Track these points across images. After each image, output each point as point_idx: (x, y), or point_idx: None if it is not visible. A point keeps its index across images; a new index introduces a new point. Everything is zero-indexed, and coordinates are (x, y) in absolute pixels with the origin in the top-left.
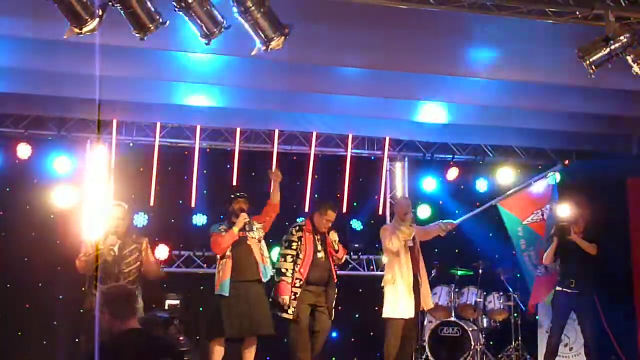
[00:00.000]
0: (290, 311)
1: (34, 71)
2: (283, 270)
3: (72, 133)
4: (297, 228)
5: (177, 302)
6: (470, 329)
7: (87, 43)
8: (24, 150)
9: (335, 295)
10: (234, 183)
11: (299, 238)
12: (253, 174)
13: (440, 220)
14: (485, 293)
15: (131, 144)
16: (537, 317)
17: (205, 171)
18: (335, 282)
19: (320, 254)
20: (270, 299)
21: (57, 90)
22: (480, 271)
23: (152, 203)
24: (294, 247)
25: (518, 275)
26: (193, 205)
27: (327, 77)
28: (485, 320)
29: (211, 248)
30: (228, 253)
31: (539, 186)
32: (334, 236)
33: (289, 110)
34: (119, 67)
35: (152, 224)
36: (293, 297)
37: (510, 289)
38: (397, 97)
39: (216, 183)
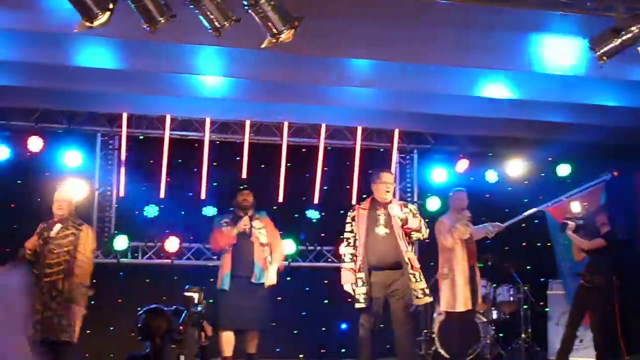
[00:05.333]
0: (361, 300)
1: (45, 65)
2: (342, 256)
3: (82, 126)
4: (353, 209)
5: (194, 294)
6: (480, 321)
7: (97, 36)
8: (35, 143)
9: (416, 279)
10: (244, 175)
11: (353, 218)
12: (263, 166)
13: (489, 223)
14: (494, 285)
15: (141, 137)
16: (546, 309)
17: (215, 163)
18: (407, 263)
19: (381, 230)
20: None
21: (68, 83)
22: (489, 263)
23: (162, 195)
24: (348, 229)
25: (528, 267)
26: (203, 197)
27: (336, 69)
28: (494, 312)
29: (210, 242)
30: (227, 247)
31: (589, 194)
32: (393, 209)
33: (298, 103)
34: (129, 60)
35: (162, 216)
36: (361, 284)
37: (520, 281)
38: (406, 89)
39: (226, 175)
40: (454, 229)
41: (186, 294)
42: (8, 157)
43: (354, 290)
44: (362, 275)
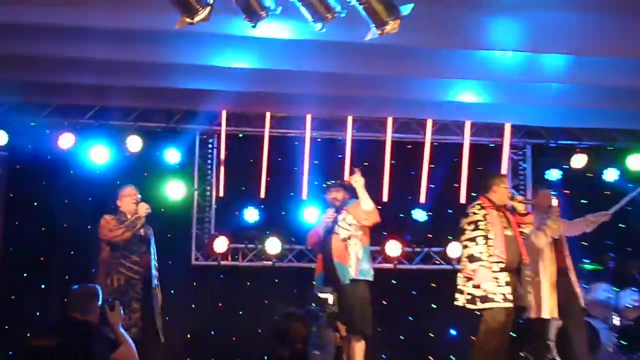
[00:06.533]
0: (498, 299)
1: (142, 63)
2: (477, 254)
3: (180, 125)
4: (479, 206)
5: (328, 295)
6: (602, 326)
7: (195, 32)
8: (134, 143)
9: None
10: (346, 174)
11: (484, 216)
12: (366, 163)
13: (589, 215)
14: (616, 289)
15: (240, 135)
16: None
17: (316, 161)
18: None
19: (509, 232)
20: (460, 291)
21: (165, 81)
22: (611, 265)
23: (262, 195)
24: (481, 227)
25: None
26: (304, 197)
27: (444, 61)
28: (616, 318)
29: None
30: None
31: None
32: (518, 198)
33: (402, 97)
34: (226, 57)
35: (262, 216)
36: (498, 284)
37: None
38: (518, 80)
39: (328, 174)
40: (544, 226)
41: (320, 295)
42: (108, 158)
43: (490, 290)
44: (501, 275)
